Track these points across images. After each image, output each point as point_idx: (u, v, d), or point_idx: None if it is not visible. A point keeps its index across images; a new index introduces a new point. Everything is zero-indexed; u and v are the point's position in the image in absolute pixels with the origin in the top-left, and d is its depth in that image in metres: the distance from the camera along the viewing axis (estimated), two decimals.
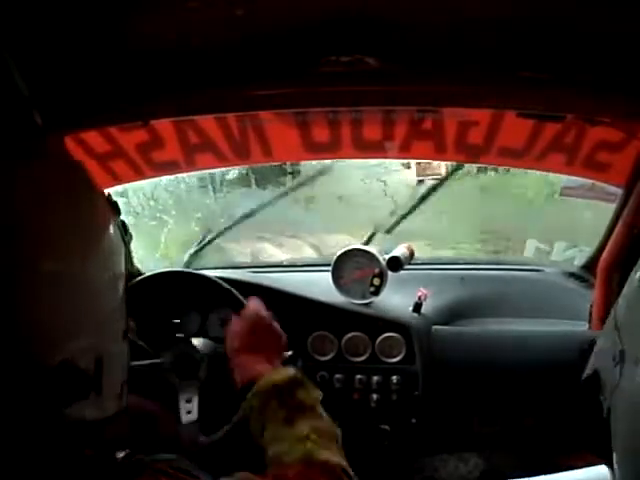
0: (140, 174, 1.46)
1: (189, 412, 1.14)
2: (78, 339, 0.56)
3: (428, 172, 1.74)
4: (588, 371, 0.88)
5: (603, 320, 1.35)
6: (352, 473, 0.77)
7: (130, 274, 1.46)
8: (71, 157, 0.64)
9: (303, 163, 1.90)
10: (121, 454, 0.62)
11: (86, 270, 0.58)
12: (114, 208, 0.70)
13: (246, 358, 0.94)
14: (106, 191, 0.75)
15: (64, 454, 0.56)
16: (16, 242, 0.52)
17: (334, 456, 0.76)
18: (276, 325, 1.05)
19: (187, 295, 1.30)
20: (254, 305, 1.07)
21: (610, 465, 1.00)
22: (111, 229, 0.63)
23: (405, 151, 1.49)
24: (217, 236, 1.82)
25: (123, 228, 0.71)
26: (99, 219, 0.63)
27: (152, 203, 1.88)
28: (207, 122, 1.42)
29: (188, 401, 1.15)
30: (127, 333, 0.65)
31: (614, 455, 0.72)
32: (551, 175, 1.60)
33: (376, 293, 1.36)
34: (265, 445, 0.80)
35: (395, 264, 1.37)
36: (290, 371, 0.87)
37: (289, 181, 1.93)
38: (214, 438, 1.14)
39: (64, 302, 0.55)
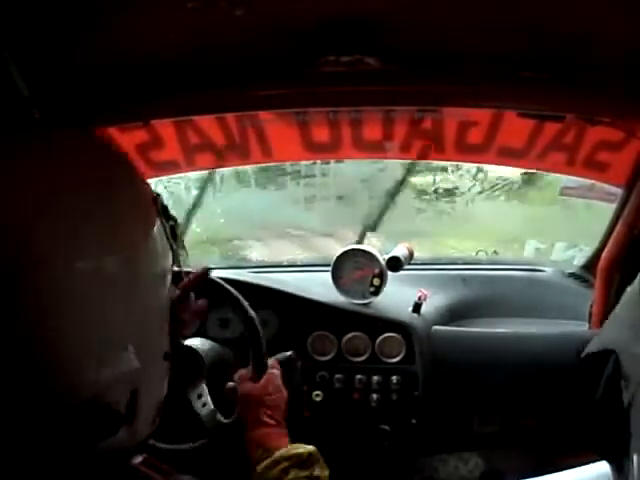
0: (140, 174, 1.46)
1: (204, 405, 1.15)
2: (112, 365, 0.48)
3: None
4: (598, 347, 0.87)
5: (603, 320, 1.35)
6: None
7: None
8: (114, 150, 0.57)
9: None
10: (138, 459, 0.60)
11: (115, 279, 0.49)
12: (162, 209, 0.59)
13: (269, 431, 0.96)
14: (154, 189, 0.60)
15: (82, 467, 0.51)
16: (27, 244, 0.44)
17: None
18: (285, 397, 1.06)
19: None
20: (274, 374, 1.06)
21: (612, 462, 1.00)
22: (155, 231, 0.54)
23: (405, 151, 1.49)
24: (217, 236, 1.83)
25: (172, 232, 0.59)
26: (139, 218, 0.54)
27: None
28: (207, 122, 1.42)
29: (200, 396, 1.16)
30: (169, 355, 0.57)
31: (632, 449, 0.72)
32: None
33: (376, 293, 1.36)
34: None
35: (395, 264, 1.36)
36: (309, 447, 0.91)
37: (289, 181, 1.93)
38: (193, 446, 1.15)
39: (92, 321, 0.47)
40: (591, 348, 0.96)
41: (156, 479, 0.59)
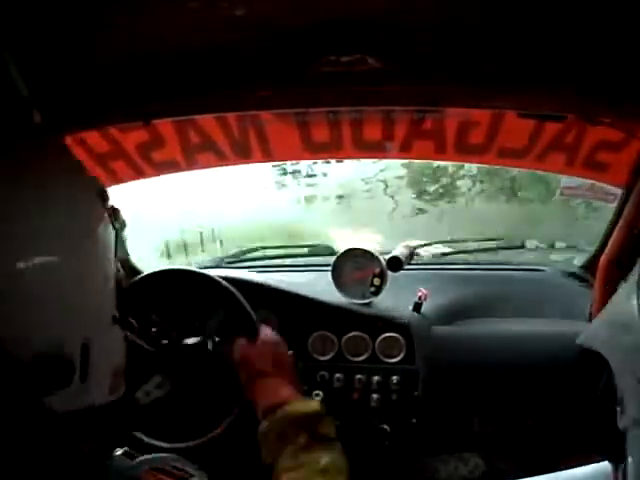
0: (140, 174, 1.46)
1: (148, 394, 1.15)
2: (61, 325, 0.54)
3: None
4: (586, 342, 0.88)
5: None
6: None
7: (132, 271, 1.46)
8: (71, 156, 0.64)
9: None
10: (119, 451, 0.62)
11: (73, 257, 0.57)
12: (104, 196, 0.69)
13: (270, 382, 0.95)
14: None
15: (54, 445, 0.54)
16: (12, 238, 0.51)
17: None
18: (287, 352, 1.07)
19: (186, 294, 1.30)
20: (268, 332, 1.11)
21: (612, 462, 1.00)
22: (103, 218, 0.64)
23: (405, 151, 1.49)
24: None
25: (115, 215, 0.70)
26: (94, 213, 0.63)
27: None
28: (207, 122, 1.42)
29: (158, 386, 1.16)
30: (117, 319, 0.64)
31: (628, 453, 0.72)
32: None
33: (376, 293, 1.36)
34: (279, 472, 0.80)
35: (395, 264, 1.36)
36: (316, 403, 0.88)
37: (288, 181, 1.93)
38: (215, 433, 1.15)
39: (45, 290, 0.53)
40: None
41: None
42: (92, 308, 0.59)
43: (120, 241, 0.69)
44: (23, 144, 0.57)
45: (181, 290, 1.27)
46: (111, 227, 0.67)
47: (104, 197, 0.70)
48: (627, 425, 0.75)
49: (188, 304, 1.32)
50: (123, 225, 0.77)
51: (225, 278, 1.25)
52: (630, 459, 0.72)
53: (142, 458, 0.63)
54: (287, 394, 0.91)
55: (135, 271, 1.47)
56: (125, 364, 0.66)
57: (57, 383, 0.54)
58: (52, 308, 0.54)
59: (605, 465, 1.03)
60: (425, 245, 1.65)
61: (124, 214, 0.76)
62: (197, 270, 1.29)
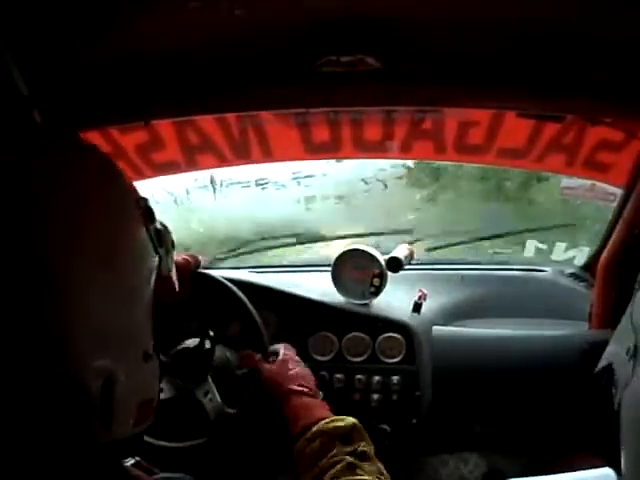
0: (140, 174, 1.46)
1: (211, 400, 1.17)
2: (87, 356, 0.50)
3: None
4: (601, 364, 0.87)
5: (603, 320, 1.35)
6: None
7: None
8: (103, 155, 0.59)
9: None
10: (130, 462, 0.60)
11: (100, 279, 0.52)
12: (147, 213, 0.59)
13: (303, 401, 0.95)
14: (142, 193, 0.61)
15: (65, 466, 0.52)
16: (27, 244, 0.48)
17: None
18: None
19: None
20: (289, 352, 1.11)
21: (612, 464, 1.00)
22: (141, 235, 0.57)
23: (405, 151, 1.49)
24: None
25: (158, 235, 0.61)
26: (126, 223, 0.56)
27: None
28: (207, 122, 1.42)
29: (206, 394, 1.17)
30: (150, 355, 0.58)
31: (622, 453, 0.72)
32: None
33: (376, 293, 1.36)
34: None
35: (395, 264, 1.36)
36: (352, 419, 0.87)
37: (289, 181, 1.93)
38: (192, 443, 1.16)
39: (71, 314, 0.50)
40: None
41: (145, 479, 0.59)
42: (121, 335, 0.54)
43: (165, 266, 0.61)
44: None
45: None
46: (151, 245, 0.59)
47: (150, 215, 0.60)
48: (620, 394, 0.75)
49: (189, 304, 1.32)
50: (170, 247, 0.64)
51: (225, 278, 1.25)
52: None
53: (159, 476, 0.61)
54: (321, 411, 0.91)
55: None
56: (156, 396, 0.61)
57: (75, 415, 0.50)
58: (76, 329, 0.50)
59: (609, 469, 1.03)
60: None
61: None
62: (197, 271, 1.29)
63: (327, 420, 0.86)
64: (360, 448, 0.81)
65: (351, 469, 0.77)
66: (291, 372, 1.02)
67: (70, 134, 0.59)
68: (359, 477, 0.76)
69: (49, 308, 0.48)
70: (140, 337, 0.57)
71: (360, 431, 0.85)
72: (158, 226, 0.61)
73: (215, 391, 1.18)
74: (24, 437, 0.49)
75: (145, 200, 0.60)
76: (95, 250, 0.52)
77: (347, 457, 0.79)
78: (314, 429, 0.85)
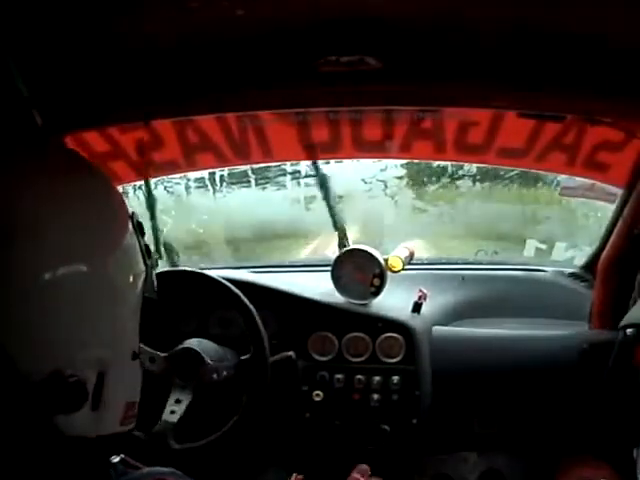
0: (140, 174, 1.46)
1: (173, 412, 1.16)
2: (80, 349, 0.54)
3: None
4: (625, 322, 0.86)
5: (603, 320, 1.35)
6: None
7: None
8: (82, 157, 0.62)
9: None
10: (116, 459, 0.61)
11: (93, 277, 0.55)
12: (139, 227, 0.63)
13: None
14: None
15: (54, 460, 0.54)
16: (18, 243, 0.50)
17: None
18: None
19: (187, 294, 1.30)
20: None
21: (612, 465, 1.00)
22: (128, 231, 0.60)
23: (405, 151, 1.49)
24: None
25: (147, 249, 0.64)
26: (113, 221, 0.59)
27: None
28: (207, 122, 1.42)
29: (177, 402, 1.16)
30: (138, 355, 0.62)
31: None
32: None
33: (376, 293, 1.36)
34: None
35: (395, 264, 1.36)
36: None
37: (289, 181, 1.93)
38: (193, 445, 1.16)
39: (66, 310, 0.53)
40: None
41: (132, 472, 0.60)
42: (113, 332, 0.58)
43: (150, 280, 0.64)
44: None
45: (181, 290, 1.27)
46: (142, 260, 0.62)
47: (141, 229, 0.64)
48: None
49: (188, 304, 1.32)
50: (154, 265, 0.68)
51: (225, 278, 1.25)
52: None
53: (146, 470, 0.62)
54: None
55: None
56: (140, 396, 0.64)
57: (67, 405, 0.53)
58: (71, 324, 0.53)
59: None
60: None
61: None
62: (197, 271, 1.29)
63: None
64: None
65: None
66: None
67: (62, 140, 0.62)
68: None
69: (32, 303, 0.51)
70: (129, 336, 0.60)
71: None
72: (146, 242, 0.66)
73: (183, 407, 1.16)
74: (15, 430, 0.51)
75: (136, 215, 0.64)
76: (90, 250, 0.55)
77: None
78: None
